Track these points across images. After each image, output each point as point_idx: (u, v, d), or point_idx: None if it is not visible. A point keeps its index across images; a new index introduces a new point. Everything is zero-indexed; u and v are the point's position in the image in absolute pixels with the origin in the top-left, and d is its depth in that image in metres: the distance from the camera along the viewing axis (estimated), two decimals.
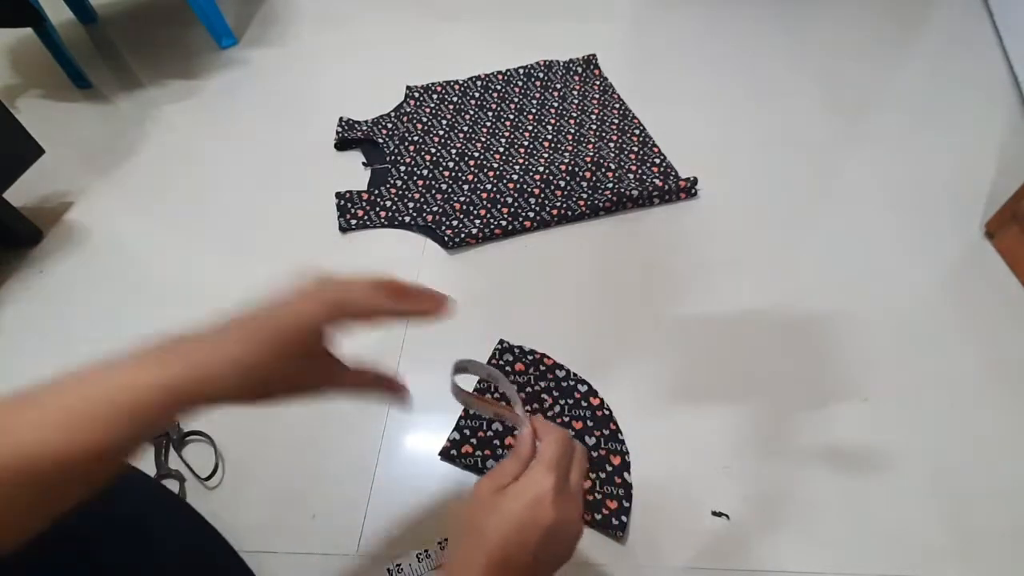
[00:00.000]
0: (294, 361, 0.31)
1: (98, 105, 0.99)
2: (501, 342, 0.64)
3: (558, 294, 0.70)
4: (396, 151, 0.87)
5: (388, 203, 0.80)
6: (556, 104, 0.94)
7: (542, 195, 0.80)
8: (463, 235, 0.75)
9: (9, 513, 0.26)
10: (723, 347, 0.65)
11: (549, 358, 0.63)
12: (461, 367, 0.40)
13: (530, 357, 0.63)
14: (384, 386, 0.38)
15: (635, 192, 0.78)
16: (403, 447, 0.58)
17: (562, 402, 0.60)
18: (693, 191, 0.80)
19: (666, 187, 0.79)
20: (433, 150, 0.87)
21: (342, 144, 0.88)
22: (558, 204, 0.78)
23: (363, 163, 0.86)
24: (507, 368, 0.62)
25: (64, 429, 0.27)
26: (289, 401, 0.33)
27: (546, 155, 0.86)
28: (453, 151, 0.86)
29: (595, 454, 0.56)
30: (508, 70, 1.01)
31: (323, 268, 0.33)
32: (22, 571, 0.29)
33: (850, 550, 0.51)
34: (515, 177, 0.82)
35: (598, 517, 0.52)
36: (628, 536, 0.52)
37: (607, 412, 0.59)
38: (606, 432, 0.57)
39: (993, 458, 0.56)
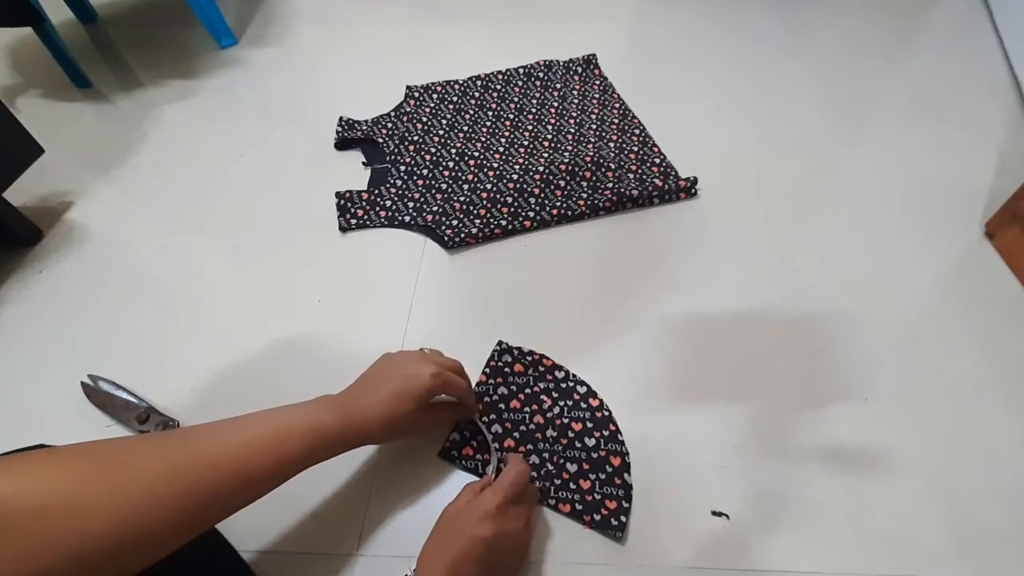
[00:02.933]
0: (416, 412, 0.48)
1: (98, 105, 0.99)
2: (500, 343, 0.64)
3: (558, 294, 0.70)
4: (396, 151, 0.87)
5: (388, 203, 0.80)
6: (556, 104, 0.94)
7: (542, 195, 0.80)
8: (463, 235, 0.75)
9: (201, 509, 0.37)
10: (723, 347, 0.65)
11: (548, 359, 0.63)
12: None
13: (529, 358, 0.63)
14: (462, 415, 0.56)
15: (635, 192, 0.78)
16: (403, 447, 0.58)
17: (562, 403, 0.60)
18: (693, 191, 0.80)
19: (666, 187, 0.79)
20: (433, 150, 0.87)
21: (342, 144, 0.88)
22: (558, 204, 0.78)
23: (363, 163, 0.86)
24: (506, 369, 0.62)
25: (275, 442, 0.41)
26: (407, 438, 0.56)
27: (546, 155, 0.86)
28: (453, 151, 0.86)
29: (595, 455, 0.56)
30: (508, 70, 1.01)
31: (435, 349, 0.55)
32: None
33: (850, 550, 0.51)
34: (515, 177, 0.82)
35: (597, 518, 0.52)
36: (628, 537, 0.52)
37: (607, 413, 0.59)
38: (606, 433, 0.57)
39: (993, 458, 0.56)
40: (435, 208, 0.79)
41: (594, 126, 0.90)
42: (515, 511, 0.46)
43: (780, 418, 0.59)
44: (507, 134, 0.90)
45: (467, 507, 0.45)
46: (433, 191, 0.81)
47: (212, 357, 0.64)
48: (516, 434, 0.58)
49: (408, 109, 0.94)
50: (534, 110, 0.94)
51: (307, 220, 0.79)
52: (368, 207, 0.79)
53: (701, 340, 0.65)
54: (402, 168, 0.84)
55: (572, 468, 0.55)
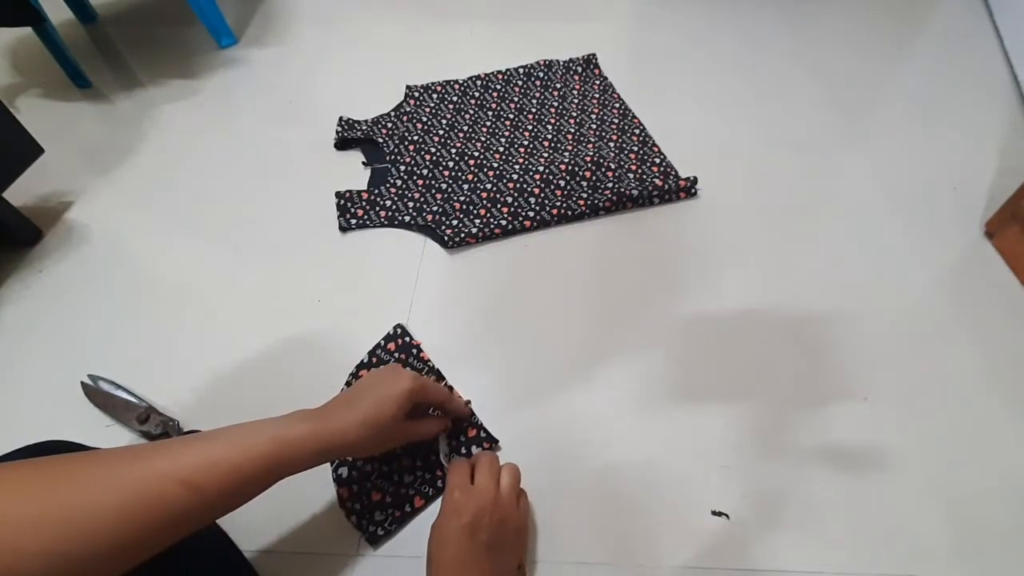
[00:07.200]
0: (397, 418, 0.47)
1: (98, 105, 0.99)
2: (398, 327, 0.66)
3: (558, 294, 0.70)
4: (396, 151, 0.87)
5: (388, 203, 0.80)
6: (556, 103, 0.94)
7: (542, 195, 0.80)
8: (463, 235, 0.75)
9: (149, 523, 0.34)
10: (723, 346, 0.65)
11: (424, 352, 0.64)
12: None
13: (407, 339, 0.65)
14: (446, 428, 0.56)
15: (635, 192, 0.78)
16: None
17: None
18: (693, 191, 0.80)
19: (666, 187, 0.79)
20: (433, 149, 0.87)
21: (342, 144, 0.88)
22: (558, 204, 0.78)
23: (363, 163, 0.86)
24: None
25: (233, 449, 0.38)
26: (390, 449, 0.53)
27: (546, 155, 0.86)
28: (453, 151, 0.86)
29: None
30: (508, 70, 1.01)
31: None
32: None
33: (850, 550, 0.51)
34: (515, 177, 0.82)
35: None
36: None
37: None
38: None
39: (993, 458, 0.56)
40: (435, 208, 0.79)
41: (594, 126, 0.90)
42: (479, 487, 0.47)
43: (780, 418, 0.59)
44: (507, 134, 0.90)
45: (445, 515, 0.46)
46: (433, 191, 0.81)
47: (212, 357, 0.64)
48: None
49: (408, 109, 0.94)
50: (534, 110, 0.94)
51: (307, 220, 0.79)
52: (368, 207, 0.79)
53: (701, 340, 0.65)
54: (402, 168, 0.84)
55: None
